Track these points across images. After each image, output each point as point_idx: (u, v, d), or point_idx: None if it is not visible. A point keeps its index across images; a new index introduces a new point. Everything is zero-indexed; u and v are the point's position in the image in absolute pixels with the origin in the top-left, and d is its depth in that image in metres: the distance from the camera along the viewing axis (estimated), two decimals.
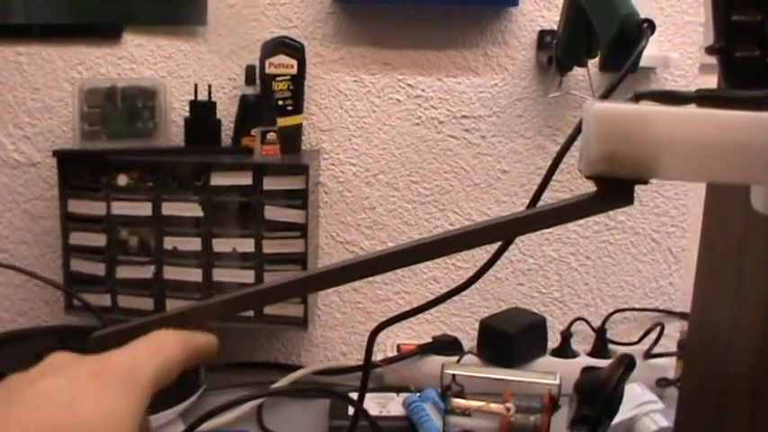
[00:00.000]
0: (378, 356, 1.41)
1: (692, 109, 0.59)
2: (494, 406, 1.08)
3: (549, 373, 1.11)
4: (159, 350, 0.54)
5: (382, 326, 1.02)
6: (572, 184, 1.45)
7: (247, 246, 1.33)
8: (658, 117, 0.57)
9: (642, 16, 1.03)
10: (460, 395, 1.12)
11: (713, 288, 0.79)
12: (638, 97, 0.63)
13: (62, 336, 1.34)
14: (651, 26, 1.00)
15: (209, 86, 1.38)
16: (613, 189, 0.58)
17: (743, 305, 0.71)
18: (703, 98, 0.62)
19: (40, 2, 1.37)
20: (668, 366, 1.37)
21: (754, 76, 0.62)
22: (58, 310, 1.42)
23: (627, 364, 0.87)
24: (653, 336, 1.41)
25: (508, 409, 1.06)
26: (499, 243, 0.93)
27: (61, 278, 1.36)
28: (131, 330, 0.57)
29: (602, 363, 1.13)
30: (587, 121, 0.57)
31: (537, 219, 0.61)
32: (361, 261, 0.60)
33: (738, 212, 0.70)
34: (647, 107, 0.58)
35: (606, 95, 0.87)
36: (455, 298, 1.46)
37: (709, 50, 0.64)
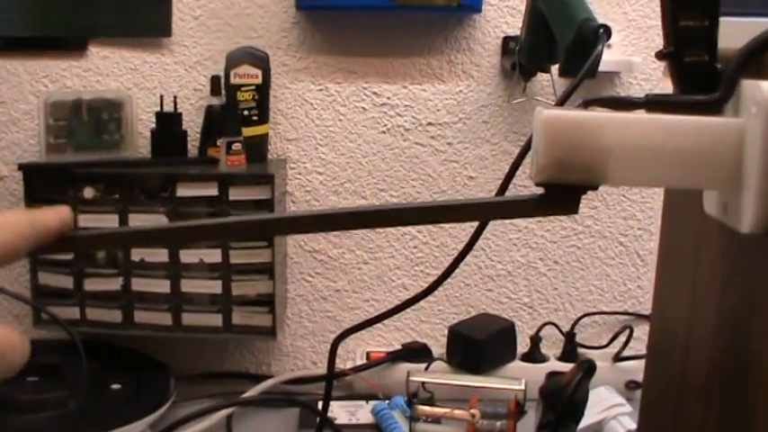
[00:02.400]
0: (348, 364, 1.41)
1: (640, 114, 0.60)
2: (458, 412, 1.08)
3: (515, 379, 1.11)
4: (5, 228, 0.55)
5: (345, 334, 1.03)
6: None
7: (214, 256, 1.32)
8: (606, 123, 0.57)
9: (602, 21, 1.04)
10: (428, 402, 1.12)
11: (671, 292, 0.80)
12: (587, 104, 0.64)
13: (31, 350, 1.33)
14: (607, 32, 1.00)
15: (175, 98, 1.38)
16: (559, 195, 0.58)
17: (698, 310, 0.72)
18: (652, 103, 0.62)
19: (5, 15, 1.36)
20: (637, 369, 1.37)
21: (703, 81, 0.62)
22: (26, 323, 1.41)
23: (586, 368, 0.88)
24: (622, 339, 1.41)
25: (473, 416, 1.06)
26: (461, 249, 0.93)
27: (30, 292, 1.35)
28: None
29: (570, 367, 1.14)
30: (536, 128, 0.58)
31: (477, 208, 0.61)
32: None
33: (694, 216, 0.70)
34: (594, 113, 0.58)
35: (562, 102, 0.88)
36: (424, 305, 1.48)
37: (659, 55, 0.65)
